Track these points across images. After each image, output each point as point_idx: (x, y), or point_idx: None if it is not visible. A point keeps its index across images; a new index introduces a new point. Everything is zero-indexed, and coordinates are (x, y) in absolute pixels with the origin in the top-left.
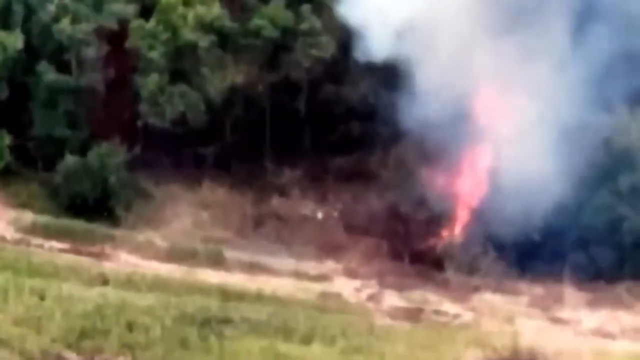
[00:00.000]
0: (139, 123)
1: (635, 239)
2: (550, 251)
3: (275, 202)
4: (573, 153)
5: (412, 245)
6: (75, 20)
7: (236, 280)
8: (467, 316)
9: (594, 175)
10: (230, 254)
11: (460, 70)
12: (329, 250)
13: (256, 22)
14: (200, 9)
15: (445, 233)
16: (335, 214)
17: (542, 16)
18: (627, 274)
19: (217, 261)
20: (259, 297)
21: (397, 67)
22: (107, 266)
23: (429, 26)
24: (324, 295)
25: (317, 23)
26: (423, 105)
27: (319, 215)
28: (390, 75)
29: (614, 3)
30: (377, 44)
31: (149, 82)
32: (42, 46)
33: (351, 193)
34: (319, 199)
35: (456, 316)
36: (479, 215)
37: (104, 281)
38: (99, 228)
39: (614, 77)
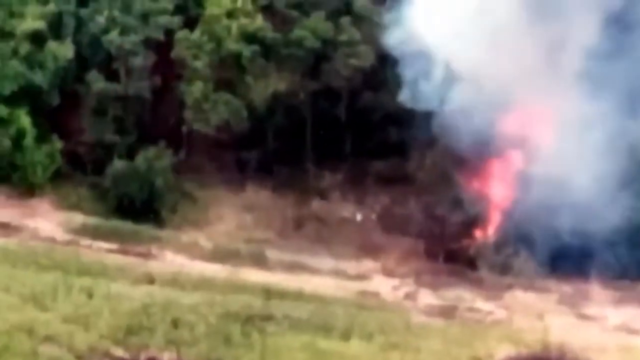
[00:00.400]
0: (184, 129)
1: None
2: (578, 251)
3: (316, 204)
4: (599, 158)
5: (447, 246)
6: (123, 31)
7: (278, 279)
8: (500, 313)
9: (619, 179)
10: (272, 254)
11: (495, 79)
12: (367, 250)
13: (298, 33)
14: (244, 21)
15: (478, 234)
16: (374, 216)
17: (576, 23)
18: None
19: (259, 261)
20: (299, 296)
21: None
22: (153, 266)
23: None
24: (362, 293)
25: (356, 34)
26: (458, 112)
27: (358, 217)
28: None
29: None
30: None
31: (194, 90)
32: (92, 56)
33: (389, 196)
34: (358, 202)
35: (489, 313)
36: (510, 217)
37: (150, 280)
38: (146, 229)
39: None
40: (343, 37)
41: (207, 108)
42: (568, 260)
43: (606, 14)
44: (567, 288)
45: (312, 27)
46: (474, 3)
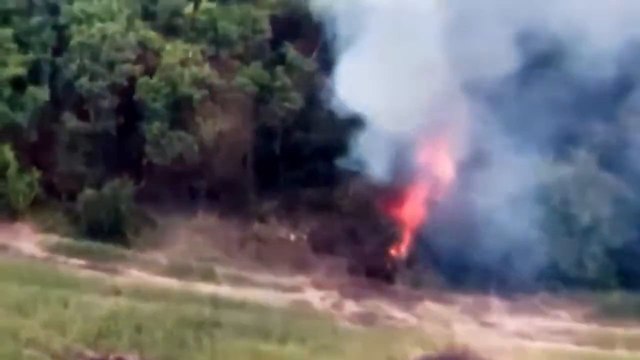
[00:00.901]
0: (145, 161)
1: (547, 258)
2: (478, 268)
3: (256, 227)
4: (495, 188)
5: (367, 263)
6: (92, 77)
7: (224, 291)
8: (412, 321)
9: (515, 206)
10: (219, 269)
11: (409, 121)
12: (300, 266)
13: (239, 79)
14: (194, 69)
15: (393, 252)
16: (305, 236)
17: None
18: (541, 287)
19: (208, 275)
20: (243, 305)
21: (357, 115)
22: (119, 280)
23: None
24: (296, 303)
25: (288, 81)
26: (378, 148)
27: (292, 237)
28: (351, 122)
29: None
30: None
31: (153, 128)
32: (65, 98)
33: (317, 220)
34: (291, 225)
35: (403, 321)
36: (420, 238)
37: (117, 292)
38: (112, 248)
39: (542, 121)
40: (277, 84)
41: (164, 143)
42: (469, 275)
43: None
44: (469, 299)
45: (251, 74)
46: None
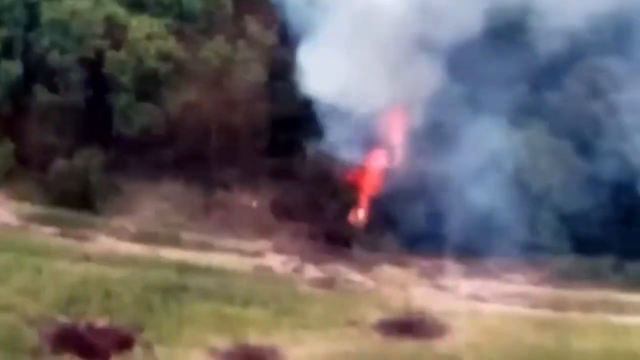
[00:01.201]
0: (113, 133)
1: (501, 223)
2: (434, 232)
3: (220, 194)
4: (449, 153)
5: (327, 228)
6: (62, 52)
7: (190, 256)
8: (370, 284)
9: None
10: (185, 235)
11: (371, 93)
12: (262, 232)
13: (203, 53)
14: (160, 43)
15: (352, 218)
16: (267, 203)
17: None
18: (495, 251)
19: (175, 241)
20: (208, 270)
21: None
22: (89, 247)
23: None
24: (258, 267)
25: (250, 54)
26: (338, 119)
27: (254, 204)
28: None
29: None
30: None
31: (121, 100)
32: (37, 72)
33: (279, 187)
34: (253, 192)
35: (362, 284)
36: (378, 204)
37: (87, 258)
38: (83, 216)
39: (496, 91)
40: (239, 57)
41: (131, 115)
42: (425, 239)
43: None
44: (425, 263)
45: (215, 48)
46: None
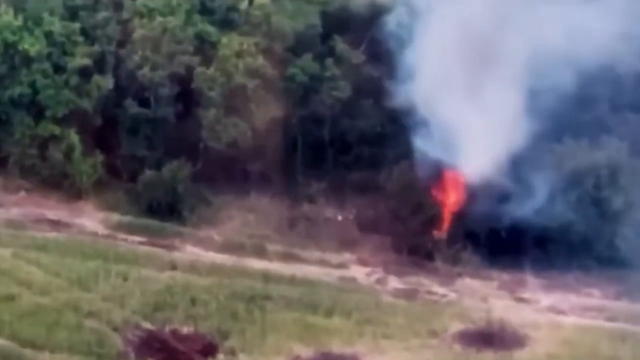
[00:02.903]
0: (201, 146)
1: (581, 239)
2: (515, 246)
3: (306, 207)
4: (531, 172)
5: (410, 241)
6: (153, 68)
7: (275, 267)
8: (452, 296)
9: (550, 189)
10: (271, 247)
11: (449, 111)
12: (346, 244)
13: (291, 70)
14: (249, 60)
15: (435, 232)
16: (351, 216)
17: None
18: (574, 266)
19: (260, 252)
20: (292, 280)
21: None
22: (176, 255)
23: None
24: (342, 279)
25: (337, 71)
26: (419, 134)
27: (339, 217)
28: (395, 110)
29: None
30: None
31: (209, 115)
32: (128, 87)
33: (364, 201)
34: (338, 205)
35: (443, 296)
36: (460, 218)
37: (173, 267)
38: (170, 226)
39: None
40: (327, 74)
41: (219, 129)
42: (507, 253)
43: None
44: (505, 276)
45: (302, 66)
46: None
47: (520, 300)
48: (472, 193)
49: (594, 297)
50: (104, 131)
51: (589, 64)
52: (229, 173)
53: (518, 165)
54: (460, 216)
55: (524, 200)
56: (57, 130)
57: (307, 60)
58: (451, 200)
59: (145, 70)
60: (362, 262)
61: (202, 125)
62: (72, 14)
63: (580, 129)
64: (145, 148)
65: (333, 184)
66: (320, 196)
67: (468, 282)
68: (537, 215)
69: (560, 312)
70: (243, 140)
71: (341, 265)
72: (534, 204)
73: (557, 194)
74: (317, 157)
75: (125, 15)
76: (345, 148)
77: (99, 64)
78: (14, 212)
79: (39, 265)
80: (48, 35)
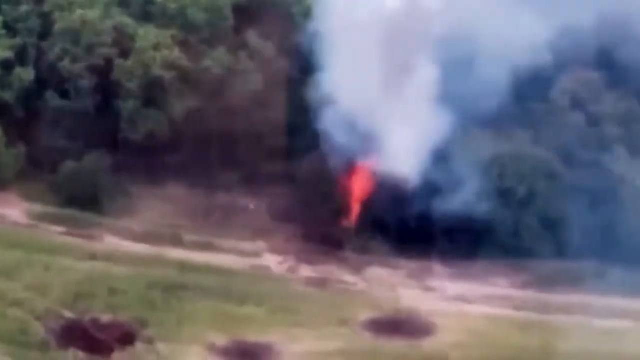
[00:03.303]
0: (120, 137)
1: (486, 229)
2: (423, 236)
3: (221, 197)
4: (438, 163)
5: (320, 230)
6: (73, 60)
7: (191, 256)
8: (362, 285)
9: (456, 179)
10: (187, 236)
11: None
12: (260, 233)
13: (206, 62)
14: (166, 52)
15: (345, 221)
16: (264, 205)
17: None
18: (481, 256)
19: (177, 242)
20: (208, 269)
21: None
22: (96, 245)
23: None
24: (255, 267)
25: (250, 64)
26: (331, 124)
27: (251, 206)
28: (306, 102)
29: None
30: None
31: (128, 106)
32: (49, 79)
33: (277, 190)
34: (253, 195)
35: (353, 284)
36: (369, 208)
37: (93, 257)
38: (90, 217)
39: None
40: (240, 67)
41: (138, 120)
42: (414, 242)
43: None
44: (413, 265)
45: (217, 58)
46: None
47: (428, 289)
48: (381, 183)
49: (501, 286)
50: (26, 123)
51: (492, 55)
52: (147, 164)
53: (425, 156)
54: (369, 206)
55: (431, 190)
56: None
57: (221, 53)
58: (360, 190)
59: (66, 62)
60: (275, 251)
61: (121, 117)
62: None
63: (484, 119)
64: (66, 139)
65: (247, 174)
66: (234, 186)
67: (377, 271)
68: (443, 205)
69: (467, 301)
70: (161, 131)
71: (254, 254)
72: (441, 194)
73: (463, 184)
74: (231, 148)
75: (46, 8)
76: (258, 139)
77: (21, 57)
78: None
79: None
80: None
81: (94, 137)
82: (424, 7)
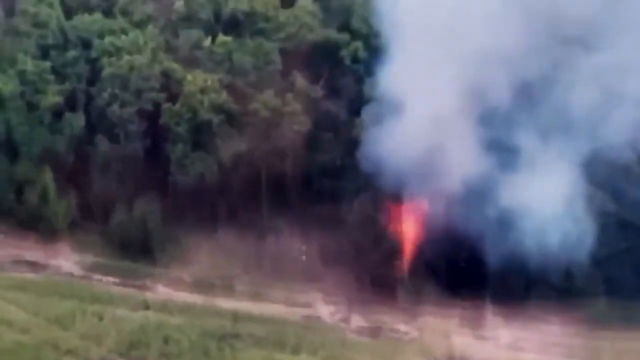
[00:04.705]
0: (170, 180)
1: (538, 272)
2: (474, 278)
3: (271, 241)
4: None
5: (372, 274)
6: (122, 105)
7: (243, 305)
8: (414, 333)
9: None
10: (239, 285)
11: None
12: (311, 279)
13: (253, 105)
14: (213, 96)
15: (396, 264)
16: (315, 250)
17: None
18: (532, 297)
19: (229, 291)
20: (260, 318)
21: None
22: (148, 295)
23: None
24: (308, 317)
25: (297, 106)
26: (381, 168)
27: (303, 251)
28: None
29: None
30: None
31: (177, 150)
32: (98, 124)
33: (327, 234)
34: (302, 239)
35: (406, 333)
36: (421, 252)
37: (146, 306)
38: (142, 267)
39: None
40: (288, 109)
41: (187, 164)
42: (466, 286)
43: None
44: (466, 313)
45: (264, 101)
46: None
47: (481, 337)
48: (432, 226)
49: (553, 332)
50: (76, 168)
51: None
52: (196, 207)
53: (476, 198)
54: (421, 250)
55: (481, 233)
56: (33, 172)
57: (268, 96)
58: (411, 233)
59: (115, 107)
60: (327, 299)
61: (170, 160)
62: (42, 53)
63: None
64: (116, 184)
65: (296, 217)
66: (284, 230)
67: (430, 319)
68: (495, 248)
69: (519, 349)
70: (209, 174)
71: (306, 304)
72: (491, 236)
73: (513, 226)
74: (280, 191)
75: (93, 53)
76: (307, 181)
77: (70, 102)
78: None
79: (18, 304)
80: (21, 74)
81: (143, 182)
82: None
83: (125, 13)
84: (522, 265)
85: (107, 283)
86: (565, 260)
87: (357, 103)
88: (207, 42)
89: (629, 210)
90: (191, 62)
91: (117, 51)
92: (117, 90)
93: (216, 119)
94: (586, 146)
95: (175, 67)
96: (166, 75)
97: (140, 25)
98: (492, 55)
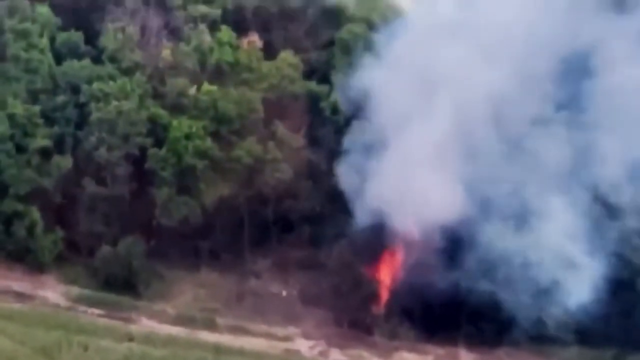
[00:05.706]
0: (154, 223)
1: (510, 317)
2: (449, 321)
3: (252, 282)
4: (458, 256)
5: (350, 316)
6: (109, 148)
7: (225, 339)
8: None
9: (476, 270)
10: (220, 320)
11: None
12: (291, 318)
13: (236, 152)
14: (198, 142)
15: (373, 307)
16: (295, 292)
17: None
18: (505, 342)
19: (211, 325)
20: (241, 352)
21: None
22: (132, 327)
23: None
24: (287, 351)
25: (279, 154)
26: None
27: (283, 292)
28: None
29: None
30: None
31: (162, 193)
32: (86, 166)
33: (306, 277)
34: (283, 281)
35: None
36: (397, 296)
37: (130, 338)
38: (126, 300)
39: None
40: (269, 157)
41: (171, 207)
42: (440, 328)
43: None
44: (440, 351)
45: (247, 148)
46: None
47: None
48: (408, 270)
49: None
50: (64, 208)
51: None
52: (180, 249)
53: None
54: (396, 294)
55: (455, 279)
56: (20, 207)
57: (251, 143)
58: (388, 277)
59: (102, 150)
60: (306, 336)
61: (155, 203)
62: (32, 97)
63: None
64: (102, 224)
65: (277, 261)
66: (265, 272)
67: (405, 356)
68: (469, 294)
69: None
70: (193, 217)
71: (286, 338)
72: (467, 283)
73: (486, 273)
74: (262, 235)
75: (82, 98)
76: (288, 227)
77: (59, 145)
78: None
79: (5, 334)
80: (11, 117)
81: (129, 223)
82: None
83: (113, 60)
84: (496, 310)
85: (92, 315)
86: (538, 308)
87: (337, 152)
88: (193, 90)
89: (602, 262)
90: (177, 109)
91: (105, 97)
92: (104, 135)
93: (200, 164)
94: (562, 196)
95: (161, 113)
96: (152, 121)
97: (128, 72)
98: (472, 103)
